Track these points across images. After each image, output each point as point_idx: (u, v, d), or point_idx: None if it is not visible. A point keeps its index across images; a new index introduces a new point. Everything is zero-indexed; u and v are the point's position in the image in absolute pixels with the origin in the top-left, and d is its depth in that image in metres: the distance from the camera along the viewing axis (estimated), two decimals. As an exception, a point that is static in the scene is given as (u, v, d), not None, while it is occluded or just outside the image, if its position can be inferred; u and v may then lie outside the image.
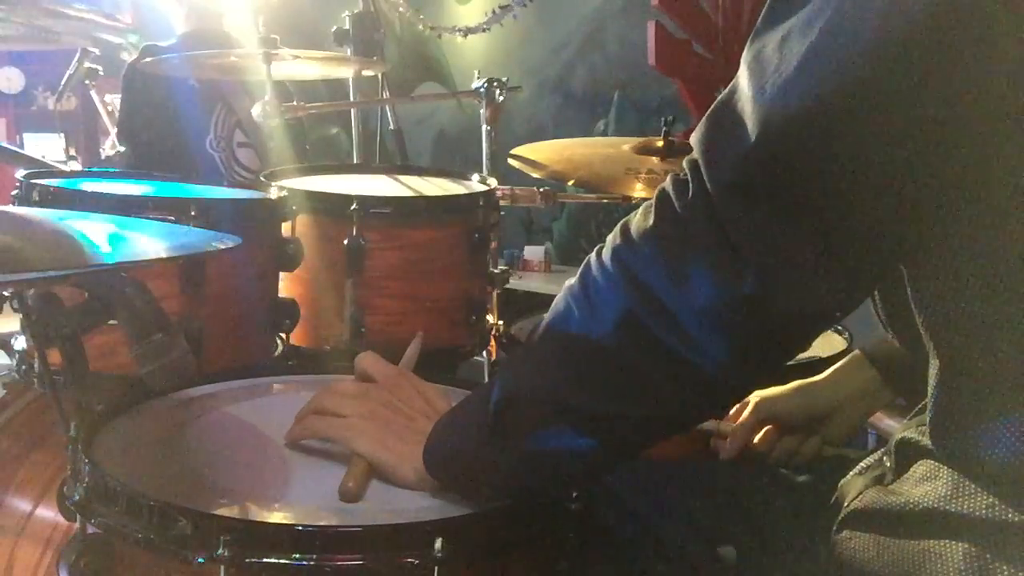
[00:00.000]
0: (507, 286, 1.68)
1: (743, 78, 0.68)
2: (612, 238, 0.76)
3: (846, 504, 0.86)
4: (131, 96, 2.65)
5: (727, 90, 0.70)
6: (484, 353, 1.72)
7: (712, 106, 0.71)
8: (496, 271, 1.63)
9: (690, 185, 0.70)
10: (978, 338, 0.68)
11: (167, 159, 2.57)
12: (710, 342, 0.70)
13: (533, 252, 4.30)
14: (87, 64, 2.83)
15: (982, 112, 0.61)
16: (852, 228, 0.66)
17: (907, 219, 0.67)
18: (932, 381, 0.73)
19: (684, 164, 0.72)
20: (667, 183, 0.73)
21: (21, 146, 5.81)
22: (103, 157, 3.01)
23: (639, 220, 0.75)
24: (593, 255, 0.78)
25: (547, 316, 0.80)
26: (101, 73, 2.89)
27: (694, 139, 0.71)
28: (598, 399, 0.76)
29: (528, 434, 0.79)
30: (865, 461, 0.89)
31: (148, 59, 2.29)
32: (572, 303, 0.77)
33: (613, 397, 0.75)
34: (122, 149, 2.70)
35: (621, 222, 0.77)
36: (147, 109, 2.58)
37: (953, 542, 0.73)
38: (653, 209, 0.73)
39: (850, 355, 1.17)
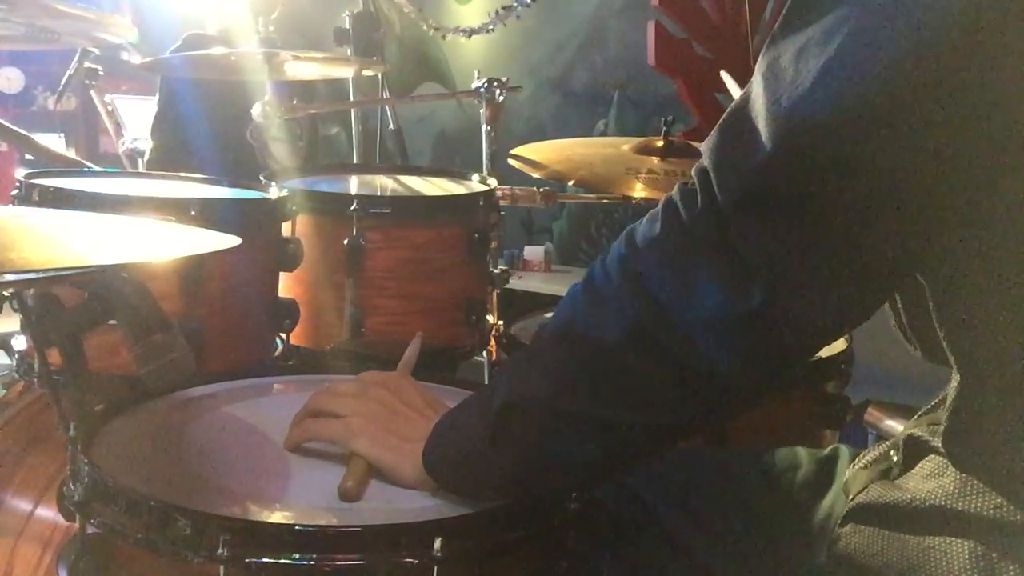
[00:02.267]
0: (507, 286, 1.68)
1: (757, 87, 0.67)
2: (617, 246, 0.76)
3: (851, 498, 0.86)
4: (169, 87, 2.62)
5: (739, 98, 0.69)
6: (484, 353, 1.72)
7: (724, 115, 0.70)
8: (496, 271, 1.63)
9: (699, 195, 0.70)
10: (1000, 352, 0.68)
11: (205, 151, 2.54)
12: (716, 352, 0.70)
13: (533, 252, 4.29)
14: (87, 64, 2.82)
15: (1003, 129, 0.61)
16: (865, 244, 0.66)
17: (921, 235, 0.66)
18: (952, 392, 0.73)
19: (692, 173, 0.71)
20: (674, 192, 0.73)
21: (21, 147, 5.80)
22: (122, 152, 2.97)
23: (645, 228, 0.74)
24: (597, 262, 0.78)
25: (551, 322, 0.80)
26: (101, 73, 2.89)
27: (705, 148, 0.71)
28: (603, 405, 0.75)
29: (531, 438, 0.79)
30: (870, 455, 0.89)
31: (148, 59, 2.30)
32: (576, 310, 0.77)
33: (618, 404, 0.75)
34: (142, 148, 2.66)
35: (626, 230, 0.77)
36: (185, 99, 2.56)
37: (959, 540, 0.73)
38: (660, 218, 0.73)
39: None
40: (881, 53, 0.61)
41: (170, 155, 2.58)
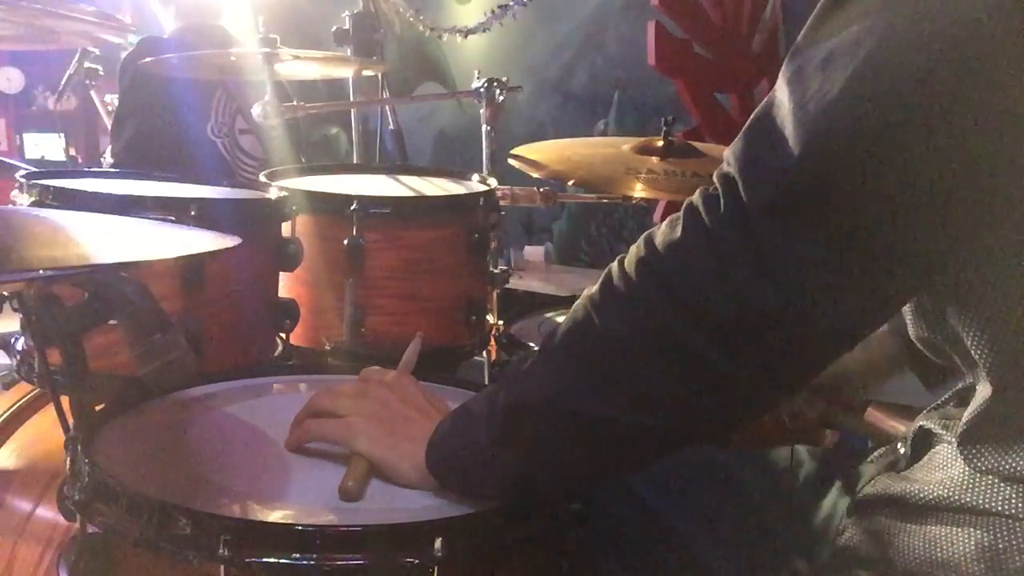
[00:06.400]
0: (507, 286, 1.68)
1: (783, 94, 0.68)
2: (636, 250, 0.76)
3: (858, 490, 0.86)
4: (128, 87, 2.63)
5: (763, 104, 0.70)
6: (484, 353, 1.72)
7: (749, 121, 0.71)
8: (496, 271, 1.63)
9: (722, 199, 0.70)
10: None
11: (167, 149, 2.54)
12: (736, 356, 0.70)
13: (533, 252, 4.29)
14: (87, 64, 2.82)
15: None
16: (888, 251, 0.66)
17: (946, 240, 0.67)
18: (978, 398, 0.73)
19: (715, 178, 0.72)
20: (696, 197, 0.73)
21: (21, 146, 5.80)
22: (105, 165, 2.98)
23: (665, 232, 0.74)
24: (615, 265, 0.78)
25: (563, 324, 0.80)
26: (101, 73, 2.88)
27: (730, 154, 0.71)
28: (614, 408, 0.75)
29: (538, 439, 0.79)
30: (877, 452, 0.89)
31: (148, 60, 2.29)
32: (592, 313, 0.77)
33: (630, 406, 0.75)
34: (109, 155, 2.67)
35: (644, 234, 0.77)
36: (146, 99, 2.56)
37: (966, 530, 0.73)
38: (681, 222, 0.73)
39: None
40: (907, 63, 0.61)
41: (132, 155, 2.57)
